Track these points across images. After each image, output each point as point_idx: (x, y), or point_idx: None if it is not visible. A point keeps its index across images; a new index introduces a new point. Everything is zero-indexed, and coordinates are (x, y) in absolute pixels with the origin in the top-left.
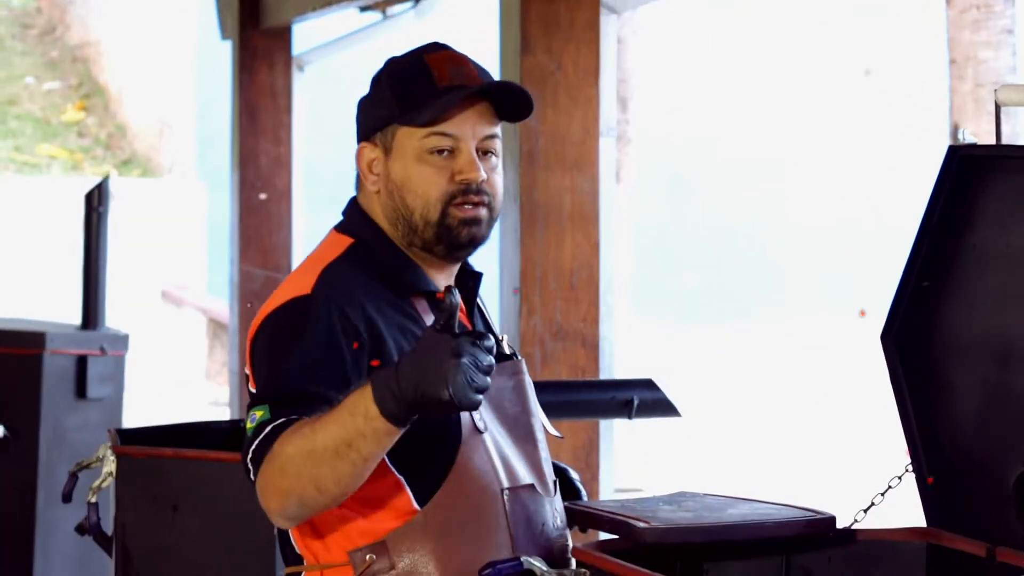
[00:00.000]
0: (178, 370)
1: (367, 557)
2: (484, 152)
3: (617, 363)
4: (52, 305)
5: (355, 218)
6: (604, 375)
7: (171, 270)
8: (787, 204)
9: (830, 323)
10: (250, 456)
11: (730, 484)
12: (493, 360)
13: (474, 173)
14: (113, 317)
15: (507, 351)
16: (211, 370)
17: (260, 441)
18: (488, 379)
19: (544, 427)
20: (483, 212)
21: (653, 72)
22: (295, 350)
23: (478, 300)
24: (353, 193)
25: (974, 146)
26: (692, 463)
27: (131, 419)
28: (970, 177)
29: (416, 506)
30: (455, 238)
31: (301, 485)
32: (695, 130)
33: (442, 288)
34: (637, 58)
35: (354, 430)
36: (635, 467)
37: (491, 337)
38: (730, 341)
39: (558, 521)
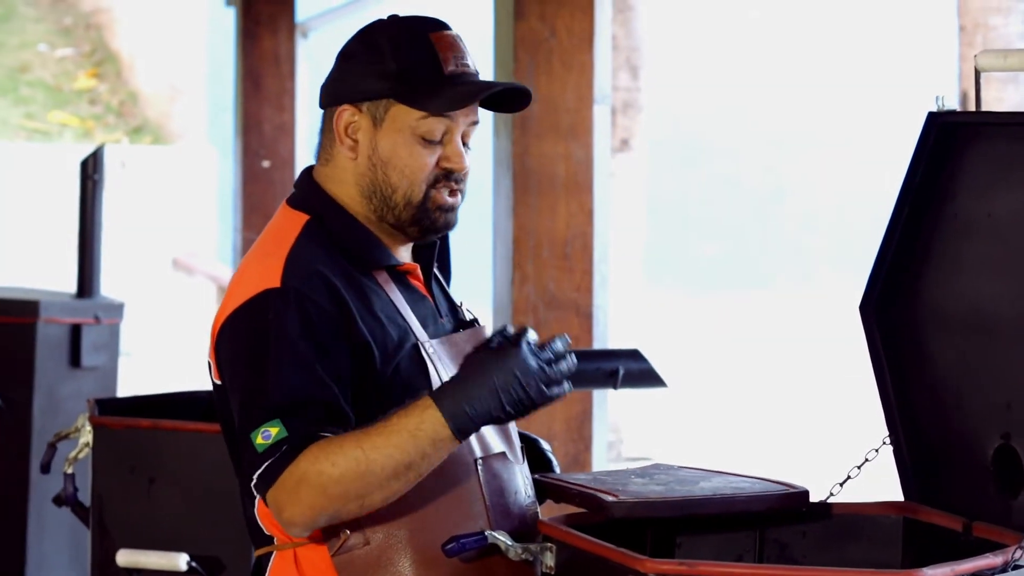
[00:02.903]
0: (188, 338)
1: (342, 533)
2: (464, 140)
3: (624, 333)
4: (62, 274)
5: (311, 192)
6: (598, 344)
7: (183, 237)
8: (808, 173)
9: (850, 293)
10: (262, 472)
11: (736, 454)
12: (561, 349)
13: (461, 163)
14: (123, 284)
15: (467, 317)
16: None
17: (278, 459)
18: (562, 366)
19: None
20: (459, 200)
21: (670, 39)
22: (284, 352)
23: (434, 268)
24: (310, 163)
25: (954, 113)
26: (702, 432)
27: (138, 388)
28: (950, 145)
29: None
30: (432, 222)
31: (344, 503)
32: (714, 98)
33: (403, 262)
34: (649, 25)
35: (417, 453)
36: (649, 436)
37: (558, 340)
38: (748, 310)
39: (529, 489)
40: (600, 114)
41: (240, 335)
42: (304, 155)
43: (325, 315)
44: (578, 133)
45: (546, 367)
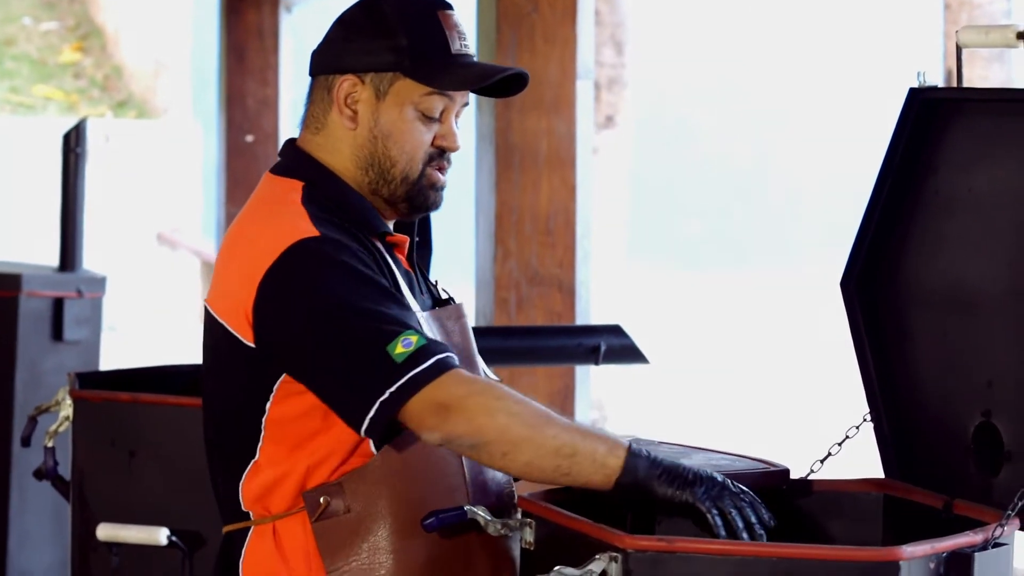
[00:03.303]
0: (172, 312)
1: (321, 499)
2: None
3: (607, 309)
4: (46, 248)
5: (301, 161)
6: (580, 320)
7: (167, 211)
8: (793, 150)
9: (834, 271)
10: (414, 376)
11: (718, 431)
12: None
13: (455, 142)
14: (107, 259)
15: (443, 296)
16: None
17: (434, 364)
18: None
19: (484, 370)
20: (446, 179)
21: (655, 15)
22: (362, 285)
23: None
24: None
25: (935, 89)
26: (685, 410)
27: (122, 362)
28: (932, 120)
29: (374, 449)
30: (423, 200)
31: (500, 437)
32: (700, 75)
33: (394, 232)
34: (635, 1)
35: (587, 449)
36: (633, 414)
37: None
38: (731, 288)
39: None
40: (583, 89)
41: (300, 275)
42: (288, 129)
43: (367, 263)
44: (561, 108)
45: (743, 505)
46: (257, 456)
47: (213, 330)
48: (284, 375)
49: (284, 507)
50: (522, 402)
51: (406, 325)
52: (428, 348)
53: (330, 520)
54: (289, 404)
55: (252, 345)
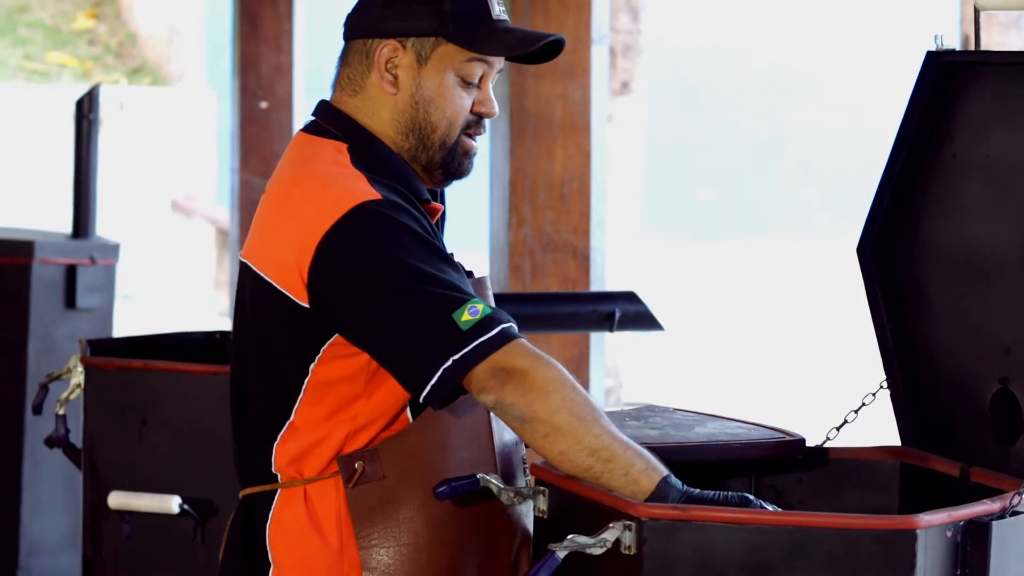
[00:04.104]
0: (187, 280)
1: (356, 465)
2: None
3: (620, 277)
4: (61, 215)
5: (342, 122)
6: (595, 287)
7: (182, 179)
8: (809, 117)
9: (850, 238)
10: (483, 342)
11: (733, 399)
12: None
13: (493, 108)
14: (122, 227)
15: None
16: (219, 280)
17: (502, 331)
18: None
19: None
20: (478, 149)
21: None
22: (426, 251)
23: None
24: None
25: (952, 52)
26: (701, 378)
27: (138, 330)
28: (949, 85)
29: (410, 417)
30: (458, 167)
31: (549, 416)
32: (715, 42)
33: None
34: None
35: (623, 460)
36: (649, 383)
37: None
38: (747, 255)
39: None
40: (598, 54)
41: (365, 237)
42: (303, 95)
43: (425, 228)
44: (575, 74)
45: None
46: (292, 417)
47: (256, 287)
48: (334, 337)
49: (317, 471)
50: (578, 391)
51: (470, 293)
52: (494, 317)
53: (364, 486)
54: (334, 367)
55: (306, 305)
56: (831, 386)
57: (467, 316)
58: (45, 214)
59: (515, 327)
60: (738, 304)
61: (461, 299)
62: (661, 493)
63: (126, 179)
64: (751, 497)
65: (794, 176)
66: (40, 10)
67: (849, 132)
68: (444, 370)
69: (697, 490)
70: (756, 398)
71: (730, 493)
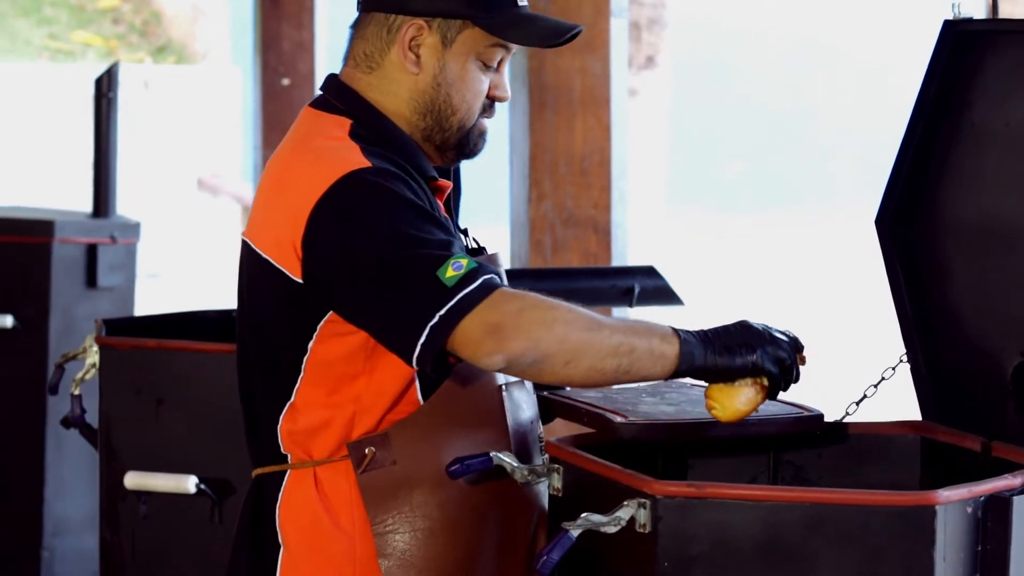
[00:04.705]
0: (213, 258)
1: (367, 451)
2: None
3: (644, 252)
4: (85, 194)
5: (350, 99)
6: (617, 262)
7: (207, 157)
8: (836, 91)
9: (874, 210)
10: (462, 298)
11: None
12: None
13: (506, 93)
14: (148, 205)
15: (473, 245)
16: None
17: (482, 284)
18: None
19: None
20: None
21: None
22: (414, 215)
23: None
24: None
25: (970, 20)
26: None
27: (162, 309)
28: (967, 53)
29: (420, 398)
30: (472, 147)
31: (558, 349)
32: (740, 15)
33: (438, 176)
34: None
35: (643, 342)
36: None
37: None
38: (774, 229)
39: (534, 412)
40: (617, 28)
41: (351, 206)
42: (324, 72)
43: (416, 193)
44: (595, 47)
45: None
46: (293, 398)
47: (255, 265)
48: (330, 314)
49: (326, 453)
50: (573, 309)
51: (455, 249)
52: (478, 269)
53: (375, 472)
54: (332, 345)
55: (300, 280)
56: (855, 360)
57: (451, 272)
58: (70, 194)
59: (496, 277)
60: (764, 277)
61: (443, 256)
62: (687, 353)
63: (152, 158)
64: (758, 327)
65: (823, 148)
66: None
67: (877, 102)
68: (431, 328)
69: (711, 330)
70: None
71: (744, 328)
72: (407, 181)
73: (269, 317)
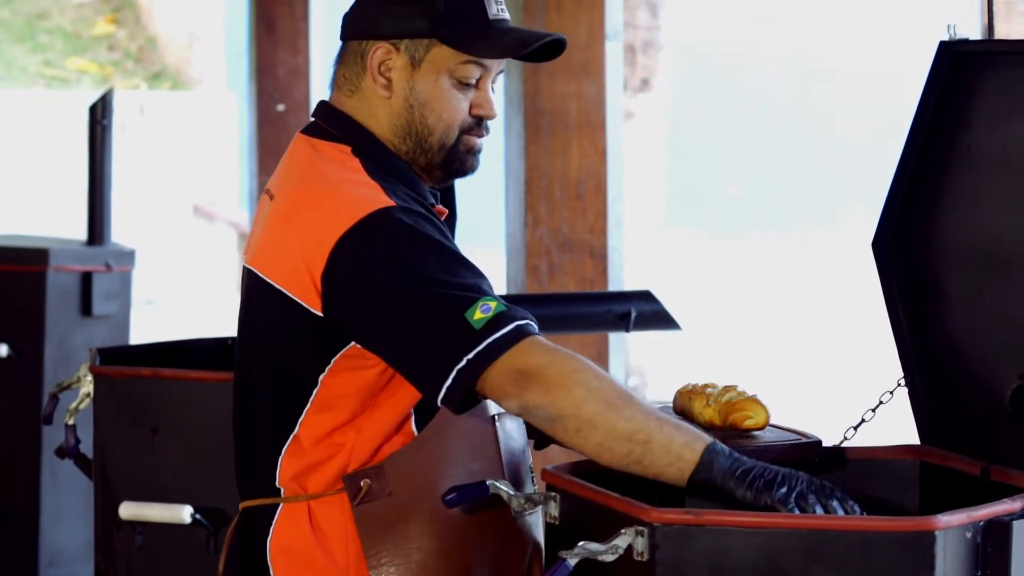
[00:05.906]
0: (210, 285)
1: (363, 483)
2: (492, 86)
3: (642, 276)
4: (80, 222)
5: (345, 125)
6: (613, 287)
7: (203, 183)
8: (834, 114)
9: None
10: (492, 342)
11: (765, 396)
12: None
13: (492, 110)
14: (144, 232)
15: None
16: None
17: (515, 329)
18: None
19: None
20: (483, 145)
21: None
22: (441, 256)
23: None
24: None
25: (966, 41)
26: (727, 377)
27: (158, 336)
28: (964, 74)
29: (415, 430)
30: (460, 165)
31: (580, 408)
32: (736, 36)
33: (436, 202)
34: None
35: (663, 437)
36: (675, 381)
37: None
38: (774, 252)
39: (524, 440)
40: (612, 51)
41: (379, 244)
42: (320, 97)
43: (441, 231)
44: (590, 71)
45: (830, 502)
46: (296, 430)
47: (264, 295)
48: (346, 348)
49: (322, 487)
50: (602, 378)
51: (484, 291)
52: (507, 314)
53: (371, 504)
54: (344, 379)
55: (319, 313)
56: (853, 384)
57: (479, 314)
58: (65, 222)
59: (532, 324)
60: (765, 300)
61: (473, 298)
62: (707, 464)
63: (148, 184)
64: (802, 475)
65: (821, 170)
66: (59, 16)
67: (875, 124)
68: (458, 370)
69: (748, 459)
70: (779, 395)
71: (784, 469)
72: (430, 219)
73: (280, 347)
